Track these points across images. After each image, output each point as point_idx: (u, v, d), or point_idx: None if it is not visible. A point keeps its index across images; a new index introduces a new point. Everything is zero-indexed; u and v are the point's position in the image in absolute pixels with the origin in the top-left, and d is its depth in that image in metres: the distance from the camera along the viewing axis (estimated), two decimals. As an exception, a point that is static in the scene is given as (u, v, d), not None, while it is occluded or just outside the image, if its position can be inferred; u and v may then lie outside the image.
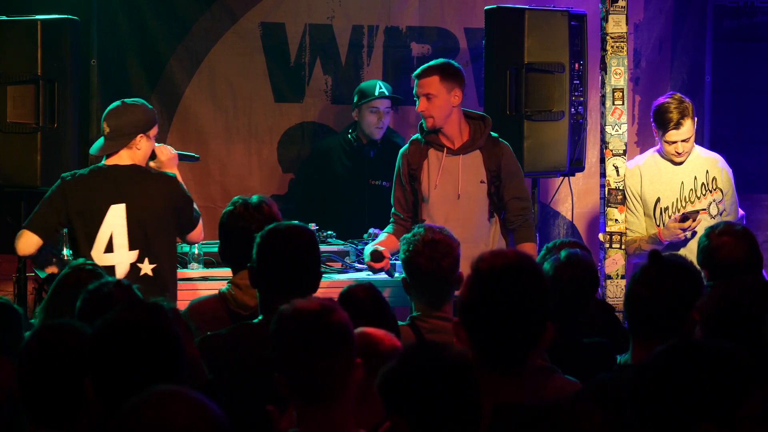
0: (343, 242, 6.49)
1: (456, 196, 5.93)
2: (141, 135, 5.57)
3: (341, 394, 2.86)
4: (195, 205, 5.67)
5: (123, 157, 5.58)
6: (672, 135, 6.38)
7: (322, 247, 6.18)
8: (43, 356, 2.97)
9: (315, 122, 7.22)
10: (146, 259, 5.47)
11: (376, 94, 7.03)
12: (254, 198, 4.53)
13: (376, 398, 2.66)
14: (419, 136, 6.01)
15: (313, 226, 6.05)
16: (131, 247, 5.46)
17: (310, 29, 7.66)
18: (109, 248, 5.44)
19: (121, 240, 5.45)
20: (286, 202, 7.40)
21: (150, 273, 5.45)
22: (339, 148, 7.20)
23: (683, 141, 6.39)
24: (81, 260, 4.19)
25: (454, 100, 5.90)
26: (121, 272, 5.42)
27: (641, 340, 3.41)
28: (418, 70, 5.98)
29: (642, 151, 7.15)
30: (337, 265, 6.27)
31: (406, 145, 6.04)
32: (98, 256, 5.39)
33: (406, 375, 2.57)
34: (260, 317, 3.87)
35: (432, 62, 6.00)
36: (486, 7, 6.66)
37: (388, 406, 2.59)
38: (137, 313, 2.86)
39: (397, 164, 6.03)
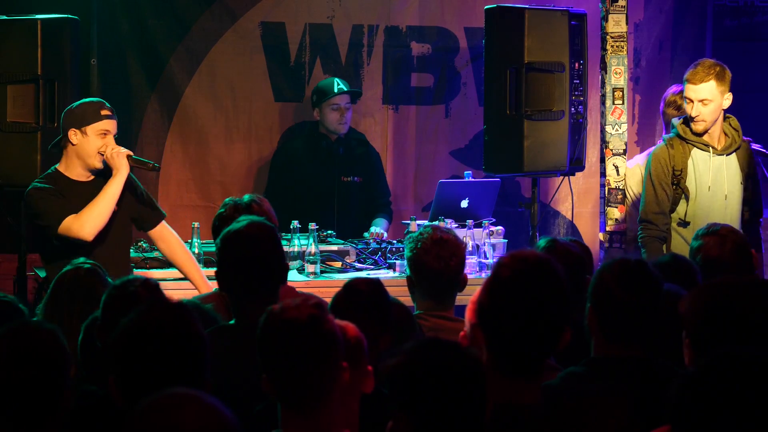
0: (343, 241, 6.47)
1: (723, 196, 6.11)
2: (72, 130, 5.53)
3: (327, 399, 2.84)
4: None
5: None
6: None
7: (322, 247, 6.19)
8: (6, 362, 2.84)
9: (315, 121, 7.20)
10: None
11: (335, 91, 7.06)
12: (245, 197, 4.52)
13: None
14: (676, 135, 6.14)
15: (313, 226, 6.03)
16: None
17: (310, 29, 7.66)
18: None
19: None
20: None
21: None
22: (306, 148, 7.18)
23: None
24: (81, 258, 4.18)
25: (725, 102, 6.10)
26: None
27: (609, 337, 3.27)
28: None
29: (642, 151, 7.15)
30: (337, 265, 6.26)
31: (660, 146, 6.15)
32: None
33: (416, 371, 2.56)
34: (233, 321, 3.85)
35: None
36: (486, 7, 6.65)
37: (394, 400, 2.58)
38: (163, 313, 2.83)
39: (649, 166, 6.14)
